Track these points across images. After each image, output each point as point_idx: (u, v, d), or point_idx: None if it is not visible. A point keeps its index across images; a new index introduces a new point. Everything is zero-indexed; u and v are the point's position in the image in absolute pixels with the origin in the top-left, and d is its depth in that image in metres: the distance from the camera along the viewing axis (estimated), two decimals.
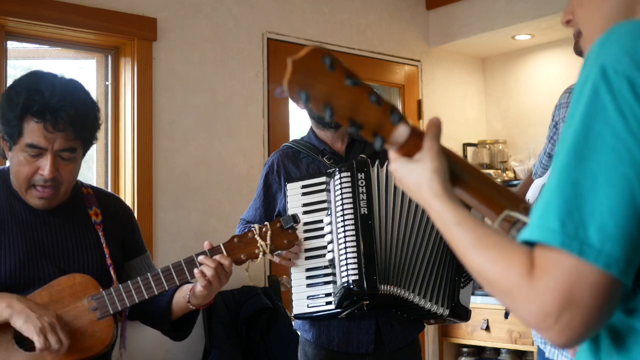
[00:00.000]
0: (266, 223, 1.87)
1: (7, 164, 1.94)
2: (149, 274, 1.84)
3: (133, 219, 2.10)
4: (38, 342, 1.67)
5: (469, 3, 4.32)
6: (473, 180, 1.01)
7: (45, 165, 1.78)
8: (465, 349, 4.26)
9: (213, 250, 1.83)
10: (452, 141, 4.59)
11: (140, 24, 3.26)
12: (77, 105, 1.80)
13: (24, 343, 1.78)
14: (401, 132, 0.98)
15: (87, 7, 3.12)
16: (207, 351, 3.21)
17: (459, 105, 4.71)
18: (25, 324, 1.68)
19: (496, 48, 4.62)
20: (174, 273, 1.82)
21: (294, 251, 2.19)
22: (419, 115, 4.45)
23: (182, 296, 1.91)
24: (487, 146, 4.66)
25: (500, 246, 0.88)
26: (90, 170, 3.34)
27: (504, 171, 4.51)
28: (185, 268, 1.82)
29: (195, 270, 1.81)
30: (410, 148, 1.00)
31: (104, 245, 1.90)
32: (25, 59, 3.29)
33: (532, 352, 3.92)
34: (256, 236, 1.84)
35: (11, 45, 3.10)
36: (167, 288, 1.82)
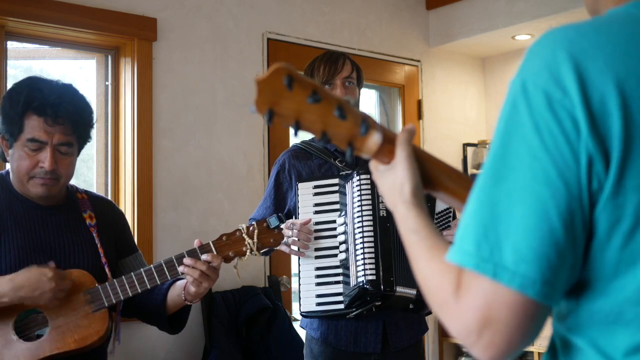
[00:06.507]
0: (253, 222, 1.96)
1: (7, 167, 2.03)
2: (142, 269, 1.95)
3: (124, 220, 2.22)
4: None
5: (469, 3, 4.32)
6: (449, 182, 1.01)
7: (45, 158, 1.90)
8: (465, 349, 4.26)
9: (203, 248, 1.93)
10: (452, 141, 4.60)
11: (140, 24, 3.27)
12: (75, 102, 1.96)
13: (24, 333, 1.87)
14: (374, 141, 0.99)
15: (87, 7, 3.12)
16: (207, 351, 3.21)
17: (459, 105, 4.70)
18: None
19: (496, 48, 4.62)
20: (165, 269, 1.93)
21: (304, 240, 2.20)
22: (419, 115, 4.45)
23: (176, 294, 2.03)
24: (487, 146, 4.65)
25: (442, 260, 0.88)
26: (90, 170, 3.34)
27: None
28: (176, 264, 1.93)
29: (181, 269, 1.92)
30: (385, 155, 1.01)
31: (98, 245, 2.01)
32: (25, 59, 3.29)
33: (532, 352, 3.92)
34: (244, 234, 1.94)
35: (11, 45, 3.10)
36: (158, 282, 1.93)
